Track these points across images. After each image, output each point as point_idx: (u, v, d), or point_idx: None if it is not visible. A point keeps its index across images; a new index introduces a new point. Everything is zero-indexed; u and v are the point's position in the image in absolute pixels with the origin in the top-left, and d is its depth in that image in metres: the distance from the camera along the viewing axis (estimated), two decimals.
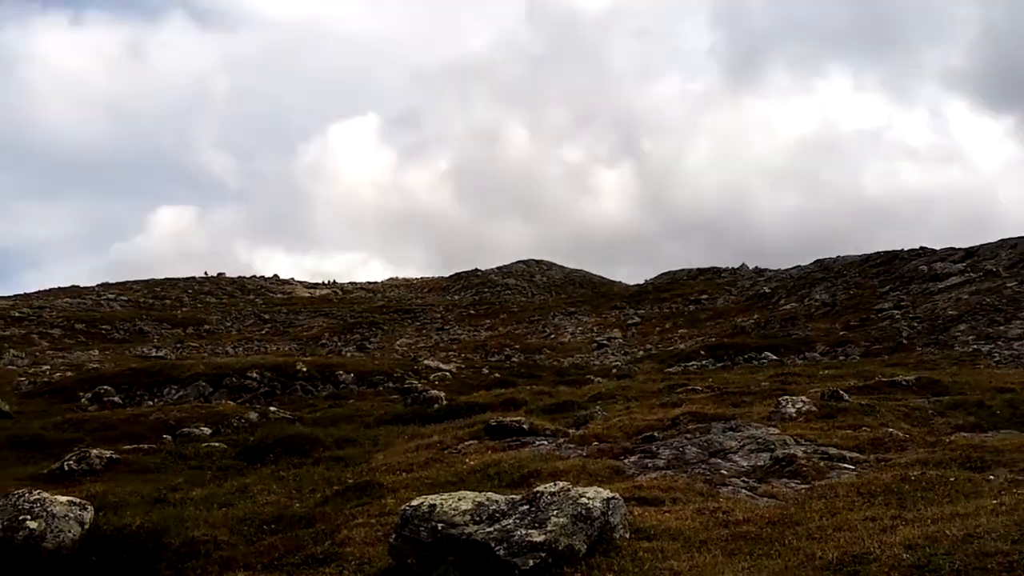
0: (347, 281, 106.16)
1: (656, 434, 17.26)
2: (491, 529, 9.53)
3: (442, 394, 31.22)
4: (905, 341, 42.85)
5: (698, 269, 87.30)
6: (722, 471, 14.30)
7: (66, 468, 21.25)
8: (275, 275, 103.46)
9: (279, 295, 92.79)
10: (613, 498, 9.98)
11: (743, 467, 14.48)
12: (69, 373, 41.52)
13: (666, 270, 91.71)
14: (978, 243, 61.39)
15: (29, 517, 15.00)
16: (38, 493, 15.82)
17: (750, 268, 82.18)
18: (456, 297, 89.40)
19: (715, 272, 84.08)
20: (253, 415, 29.04)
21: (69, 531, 15.26)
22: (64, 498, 15.84)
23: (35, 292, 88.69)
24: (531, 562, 9.08)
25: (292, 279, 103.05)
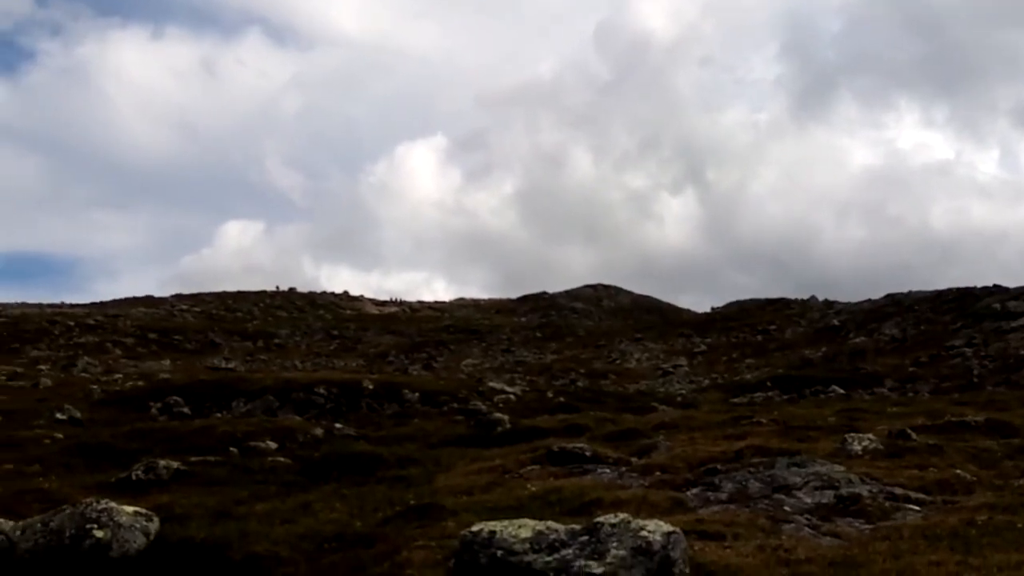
0: (415, 299, 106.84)
1: (719, 466, 17.15)
2: (550, 559, 9.54)
3: (505, 417, 31.24)
4: (976, 379, 42.21)
5: (767, 299, 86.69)
6: (785, 507, 14.18)
7: (134, 478, 21.57)
8: (345, 291, 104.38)
9: (348, 311, 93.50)
10: (674, 532, 9.94)
11: (807, 504, 14.35)
12: (140, 382, 42.13)
13: (730, 299, 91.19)
14: None
15: (96, 526, 15.25)
16: (105, 502, 16.09)
17: (819, 300, 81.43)
18: (523, 319, 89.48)
19: (784, 303, 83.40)
20: (319, 431, 29.27)
21: (134, 541, 15.49)
22: (131, 508, 16.09)
23: (110, 301, 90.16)
24: None
25: (361, 296, 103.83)
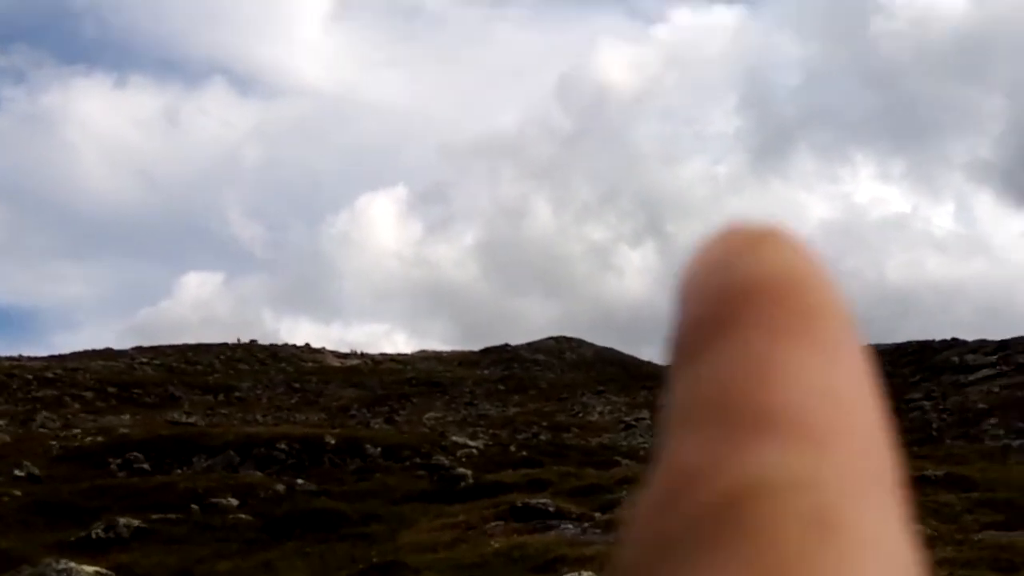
0: (377, 352, 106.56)
1: None
2: None
3: (469, 472, 31.20)
4: (935, 433, 42.56)
5: None
6: None
7: (94, 536, 21.37)
8: (307, 344, 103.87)
9: (310, 364, 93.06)
10: None
11: None
12: (100, 438, 41.68)
13: None
14: (1009, 336, 61.06)
15: None
16: (65, 563, 15.97)
17: None
18: (486, 371, 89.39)
19: None
20: (280, 487, 29.10)
21: None
22: (91, 568, 15.98)
23: (69, 353, 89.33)
24: None
25: (323, 348, 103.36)
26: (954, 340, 65.16)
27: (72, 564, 15.91)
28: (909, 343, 68.10)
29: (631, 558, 0.39)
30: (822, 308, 0.41)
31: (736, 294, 0.41)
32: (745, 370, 0.39)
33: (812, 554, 0.34)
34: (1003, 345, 59.72)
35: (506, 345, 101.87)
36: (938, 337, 67.02)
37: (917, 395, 51.58)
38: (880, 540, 0.37)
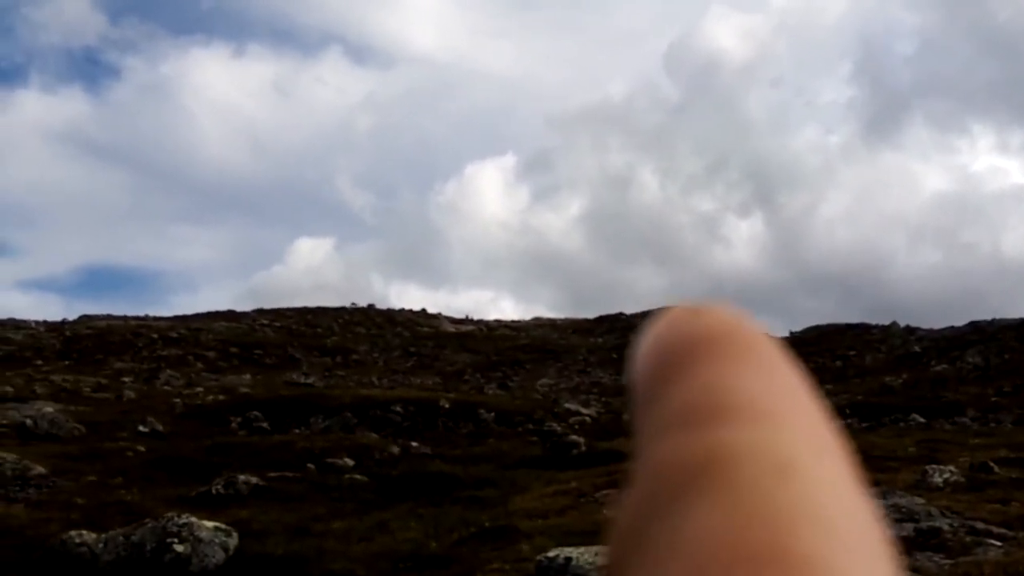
0: (491, 318, 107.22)
1: None
2: None
3: (581, 439, 31.19)
4: None
5: (846, 324, 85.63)
6: None
7: (214, 492, 21.90)
8: (423, 309, 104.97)
9: (425, 329, 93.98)
10: None
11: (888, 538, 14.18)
12: (221, 396, 42.71)
13: (799, 322, 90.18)
14: None
15: (176, 540, 15.53)
16: (186, 517, 16.37)
17: (900, 326, 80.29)
18: (600, 339, 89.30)
19: (864, 328, 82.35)
20: (395, 449, 29.47)
21: (213, 556, 15.74)
22: (210, 523, 16.36)
23: (192, 315, 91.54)
24: None
25: (439, 314, 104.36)
26: None
27: (193, 518, 16.30)
28: None
29: (619, 535, 0.43)
30: (754, 343, 0.48)
31: (682, 347, 0.48)
32: (699, 389, 0.46)
33: (775, 491, 0.40)
34: None
35: (620, 314, 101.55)
36: None
37: None
38: (835, 484, 0.42)
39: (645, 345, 0.51)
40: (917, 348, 67.83)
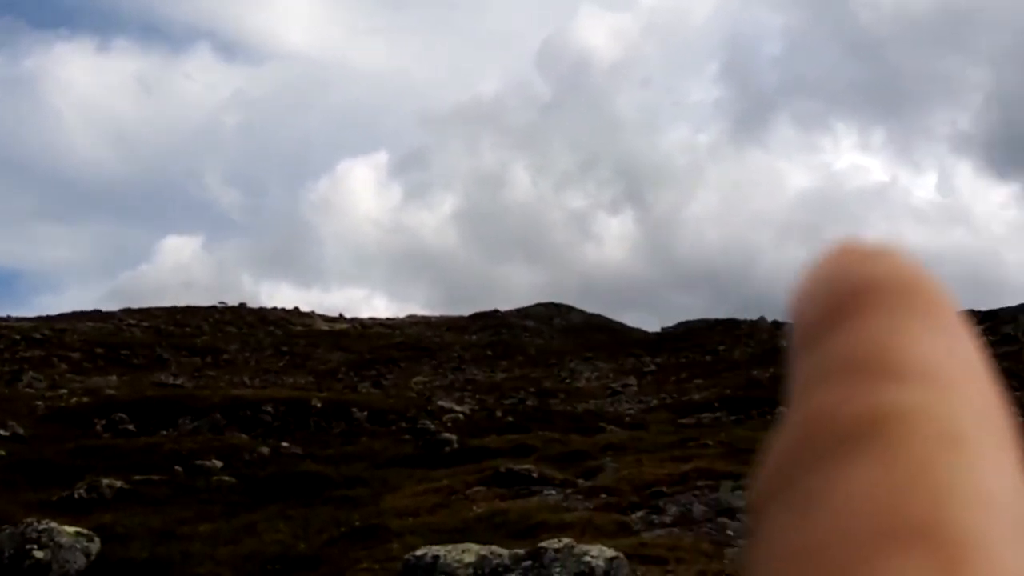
0: (366, 316, 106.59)
1: (665, 489, 17.24)
2: None
3: (454, 437, 31.21)
4: None
5: (716, 320, 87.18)
6: (729, 531, 14.29)
7: (76, 496, 21.36)
8: (296, 307, 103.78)
9: (298, 327, 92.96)
10: (616, 557, 10.00)
11: None
12: (86, 398, 41.65)
13: (671, 318, 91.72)
14: (997, 306, 61.33)
15: (36, 547, 15.10)
16: (46, 523, 15.92)
17: (768, 321, 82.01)
18: (474, 337, 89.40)
19: (733, 324, 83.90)
20: (265, 450, 29.11)
21: (75, 562, 15.34)
22: (72, 529, 15.94)
23: (57, 315, 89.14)
24: None
25: (312, 312, 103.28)
26: None
27: (53, 524, 15.87)
28: None
29: (765, 481, 0.42)
30: (932, 298, 0.45)
31: (856, 291, 0.45)
32: (870, 338, 0.43)
33: (939, 461, 0.38)
34: (990, 315, 59.97)
35: (495, 311, 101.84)
36: None
37: None
38: (999, 460, 0.39)
39: (811, 282, 0.48)
40: (784, 342, 69.36)
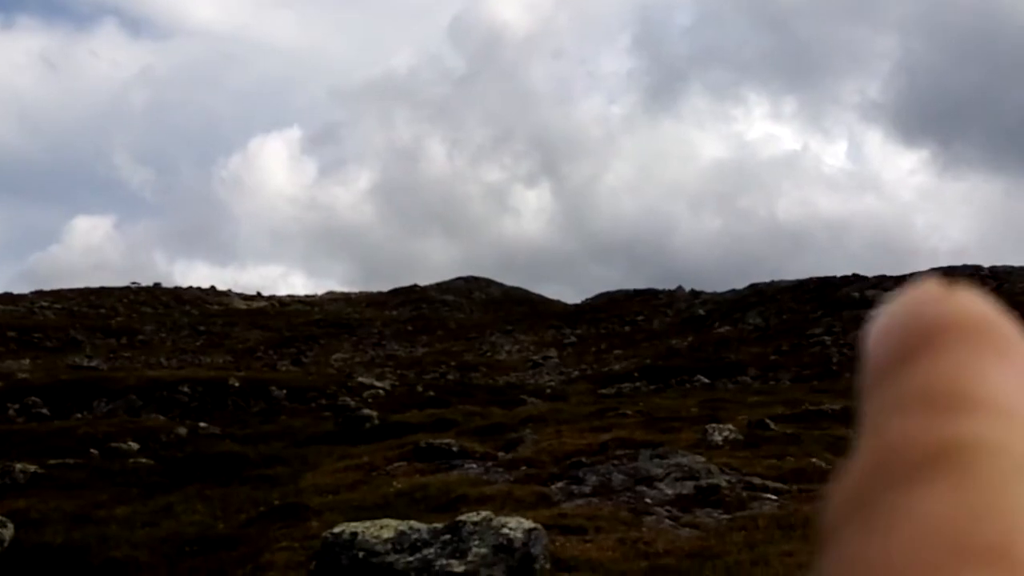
0: (284, 294, 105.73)
1: (584, 459, 17.34)
2: (412, 559, 9.56)
3: (374, 413, 31.09)
4: (835, 367, 43.37)
5: (635, 290, 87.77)
6: (647, 499, 14.42)
7: None
8: (212, 286, 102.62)
9: (215, 306, 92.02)
10: (535, 529, 10.04)
11: (668, 495, 14.60)
12: None
13: (591, 290, 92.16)
14: (907, 271, 62.44)
15: None
16: None
17: (686, 291, 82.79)
18: (394, 312, 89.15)
19: (651, 294, 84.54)
20: (183, 430, 28.80)
21: None
22: None
23: None
24: None
25: (229, 291, 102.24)
26: (854, 276, 66.36)
27: None
28: (811, 279, 69.18)
29: (839, 504, 0.44)
30: (1005, 335, 0.47)
31: (931, 329, 0.47)
32: (946, 372, 0.45)
33: (1013, 485, 0.39)
34: (901, 281, 60.96)
35: (415, 286, 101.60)
36: (839, 273, 68.22)
37: (818, 331, 52.50)
38: None
39: (887, 320, 0.50)
40: (701, 311, 70.08)
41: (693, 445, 18.12)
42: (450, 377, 52.22)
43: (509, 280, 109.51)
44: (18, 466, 21.59)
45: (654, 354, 56.38)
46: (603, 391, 41.03)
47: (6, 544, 15.44)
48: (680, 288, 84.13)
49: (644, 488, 15.03)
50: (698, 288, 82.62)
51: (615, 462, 16.80)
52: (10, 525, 15.91)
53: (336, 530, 10.16)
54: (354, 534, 9.93)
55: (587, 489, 15.38)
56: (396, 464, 19.67)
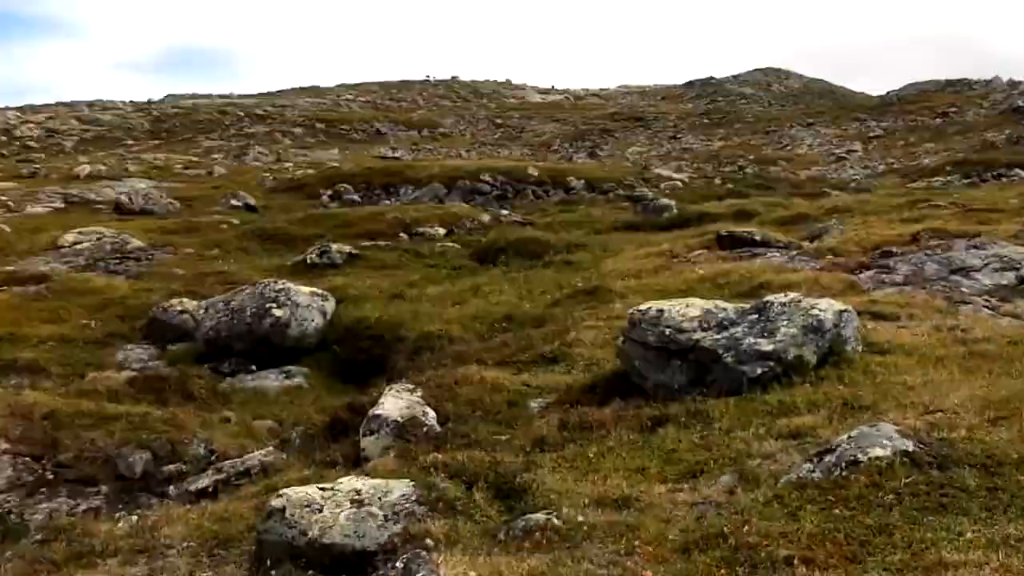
0: (579, 87, 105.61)
1: (894, 249, 16.72)
2: (719, 336, 9.47)
3: (672, 203, 30.95)
4: None
5: (946, 80, 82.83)
6: (963, 289, 13.82)
7: (308, 261, 22.20)
8: (508, 79, 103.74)
9: (511, 100, 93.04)
10: (846, 311, 9.73)
11: (986, 286, 13.95)
12: (310, 171, 42.86)
13: (904, 81, 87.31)
14: None
15: (275, 305, 15.79)
16: (283, 283, 16.62)
17: (1003, 80, 77.48)
18: (689, 105, 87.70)
19: (965, 84, 79.58)
20: (485, 217, 29.51)
21: (312, 320, 16.02)
22: (307, 289, 16.60)
23: (277, 91, 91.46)
24: (759, 370, 9.00)
25: (524, 84, 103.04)
26: None
27: (290, 284, 16.56)
28: None
29: None
30: None
31: None
32: None
33: None
34: None
35: (710, 78, 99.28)
36: None
37: None
38: None
39: None
40: (1021, 102, 65.53)
41: (1013, 236, 17.11)
42: (748, 171, 51.18)
43: (808, 72, 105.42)
44: (335, 247, 22.71)
45: (967, 148, 53.38)
46: (912, 185, 39.28)
47: (328, 317, 16.37)
48: (996, 78, 78.76)
49: (959, 278, 14.40)
50: (1017, 78, 77.13)
51: (928, 252, 16.12)
52: (331, 299, 16.84)
53: (643, 307, 10.17)
54: (660, 311, 9.91)
55: (898, 278, 14.86)
56: (697, 252, 19.54)
